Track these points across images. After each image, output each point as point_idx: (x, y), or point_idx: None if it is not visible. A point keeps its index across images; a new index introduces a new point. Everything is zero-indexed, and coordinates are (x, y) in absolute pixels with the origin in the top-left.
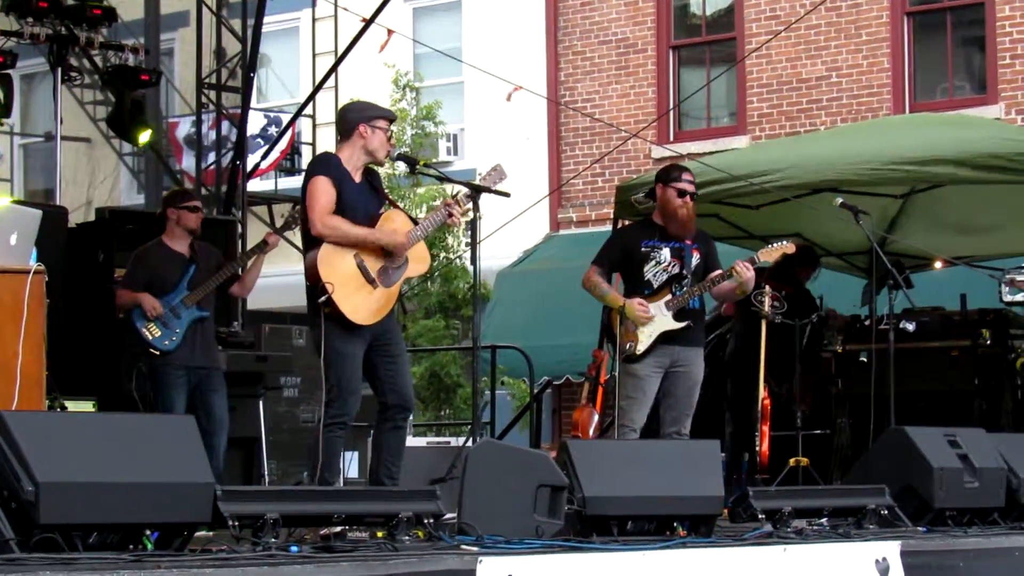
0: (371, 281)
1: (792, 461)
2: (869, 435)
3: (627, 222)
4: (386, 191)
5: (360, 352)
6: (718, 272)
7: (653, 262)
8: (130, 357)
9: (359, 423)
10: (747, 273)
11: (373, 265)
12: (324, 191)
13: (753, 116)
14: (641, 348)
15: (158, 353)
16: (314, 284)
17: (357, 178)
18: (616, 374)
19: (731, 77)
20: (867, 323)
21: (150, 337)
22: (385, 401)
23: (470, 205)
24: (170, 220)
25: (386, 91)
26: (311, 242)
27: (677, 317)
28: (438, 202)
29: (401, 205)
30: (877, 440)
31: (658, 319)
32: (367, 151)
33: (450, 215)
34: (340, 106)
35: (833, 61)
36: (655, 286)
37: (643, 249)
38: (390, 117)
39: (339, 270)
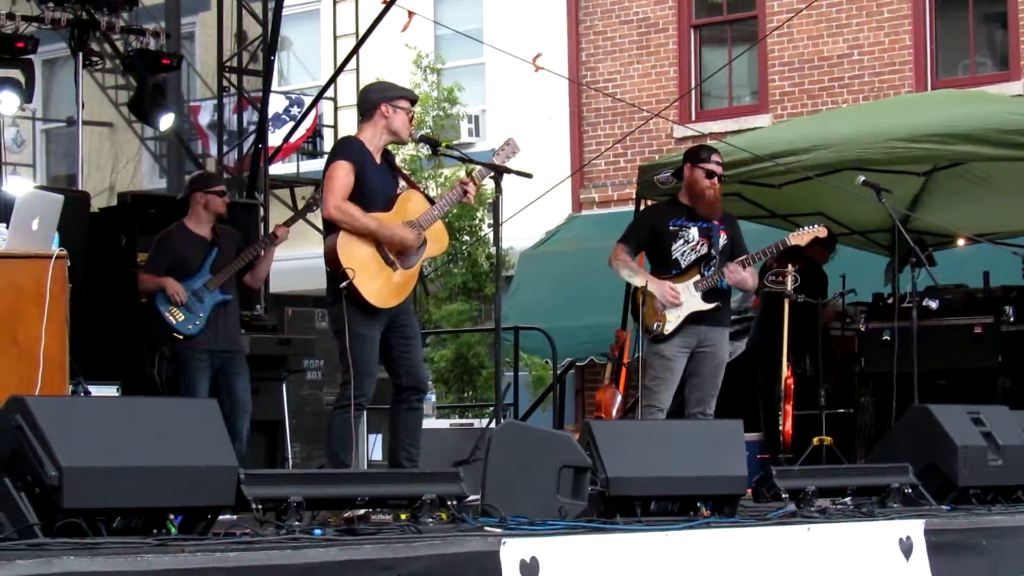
0: (391, 264)
1: (816, 440)
2: (892, 414)
3: (650, 202)
4: (406, 172)
5: (378, 334)
6: (746, 256)
7: (681, 241)
8: (153, 341)
9: (384, 406)
10: (736, 275)
11: (392, 247)
12: (342, 176)
13: (775, 95)
14: (669, 328)
15: (181, 337)
16: (334, 270)
17: (378, 159)
18: (641, 354)
19: (752, 56)
20: (890, 301)
21: (174, 321)
22: (400, 383)
23: (485, 181)
24: (196, 203)
25: (407, 73)
26: (331, 226)
27: (706, 298)
28: None
29: (420, 186)
30: (900, 418)
31: (687, 300)
32: (390, 131)
33: (465, 193)
34: (362, 87)
35: (855, 39)
36: (683, 265)
37: (671, 228)
38: (412, 98)
39: (359, 254)
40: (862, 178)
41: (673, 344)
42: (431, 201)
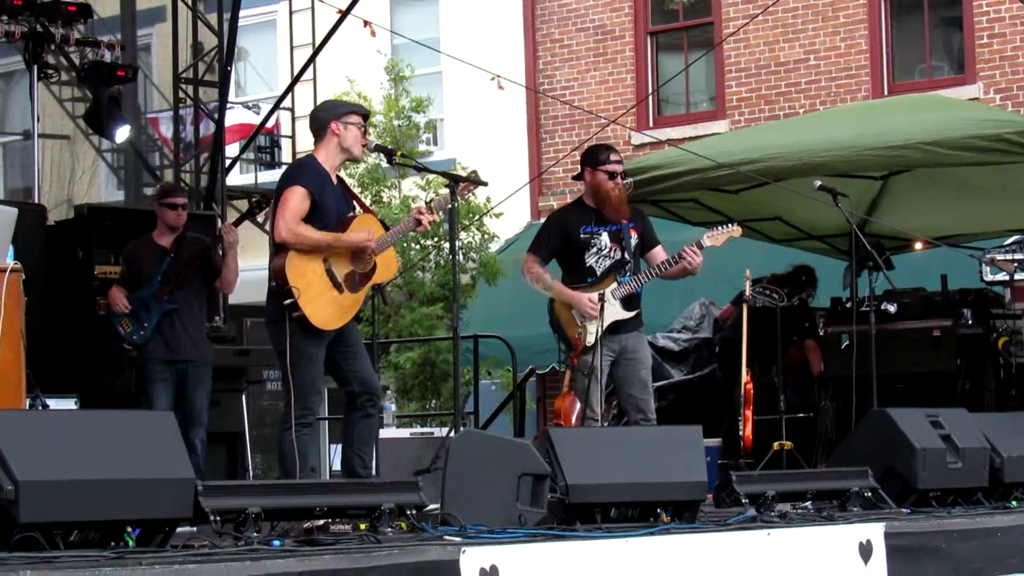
0: (338, 286)
1: (776, 445)
2: (852, 417)
3: None
4: (370, 178)
5: (322, 353)
6: (666, 258)
7: (594, 249)
8: (117, 352)
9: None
10: (696, 259)
11: (341, 270)
12: (297, 201)
13: (732, 100)
14: (591, 340)
15: (130, 348)
16: (281, 286)
17: (334, 179)
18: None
19: (709, 62)
20: (848, 305)
21: (122, 332)
22: (352, 391)
23: (442, 213)
24: (158, 216)
25: (370, 82)
26: (280, 245)
27: (625, 305)
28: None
29: (383, 196)
30: (860, 422)
31: (607, 308)
32: (342, 148)
33: (419, 223)
34: (312, 109)
35: (811, 44)
36: (599, 273)
37: (583, 236)
38: (362, 113)
39: (307, 274)
40: (819, 182)
41: (596, 354)
42: (386, 227)
